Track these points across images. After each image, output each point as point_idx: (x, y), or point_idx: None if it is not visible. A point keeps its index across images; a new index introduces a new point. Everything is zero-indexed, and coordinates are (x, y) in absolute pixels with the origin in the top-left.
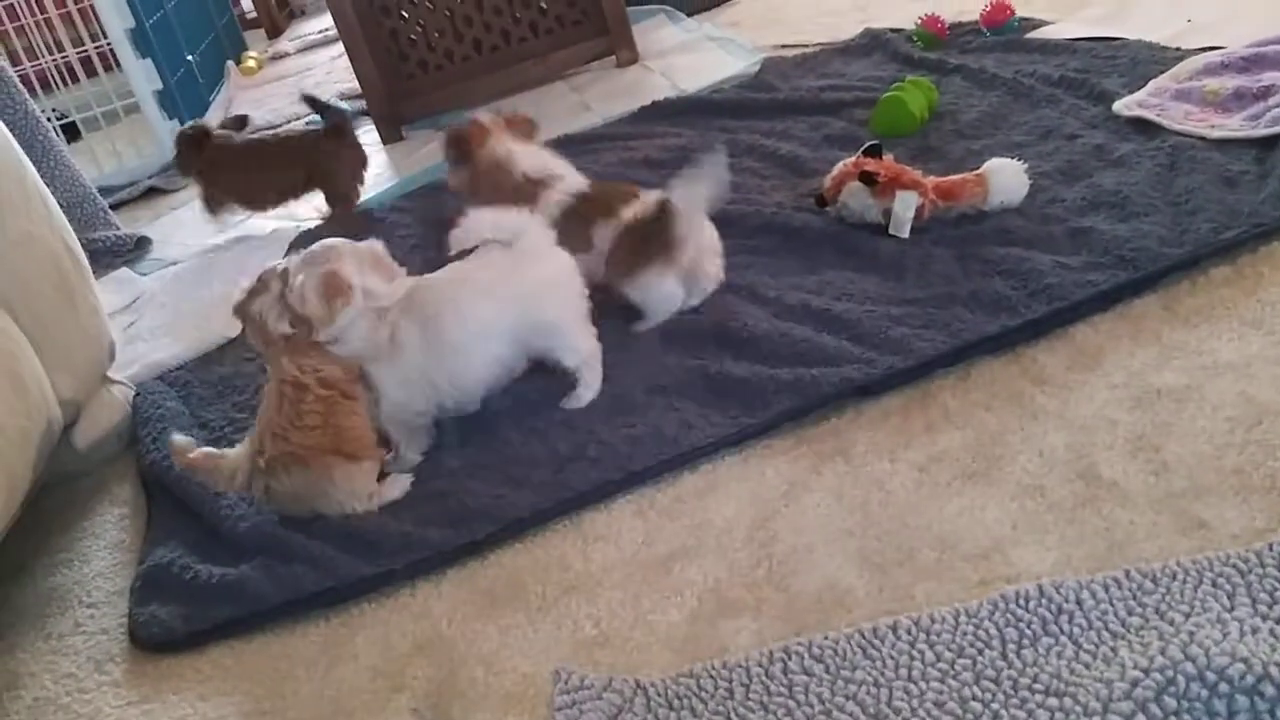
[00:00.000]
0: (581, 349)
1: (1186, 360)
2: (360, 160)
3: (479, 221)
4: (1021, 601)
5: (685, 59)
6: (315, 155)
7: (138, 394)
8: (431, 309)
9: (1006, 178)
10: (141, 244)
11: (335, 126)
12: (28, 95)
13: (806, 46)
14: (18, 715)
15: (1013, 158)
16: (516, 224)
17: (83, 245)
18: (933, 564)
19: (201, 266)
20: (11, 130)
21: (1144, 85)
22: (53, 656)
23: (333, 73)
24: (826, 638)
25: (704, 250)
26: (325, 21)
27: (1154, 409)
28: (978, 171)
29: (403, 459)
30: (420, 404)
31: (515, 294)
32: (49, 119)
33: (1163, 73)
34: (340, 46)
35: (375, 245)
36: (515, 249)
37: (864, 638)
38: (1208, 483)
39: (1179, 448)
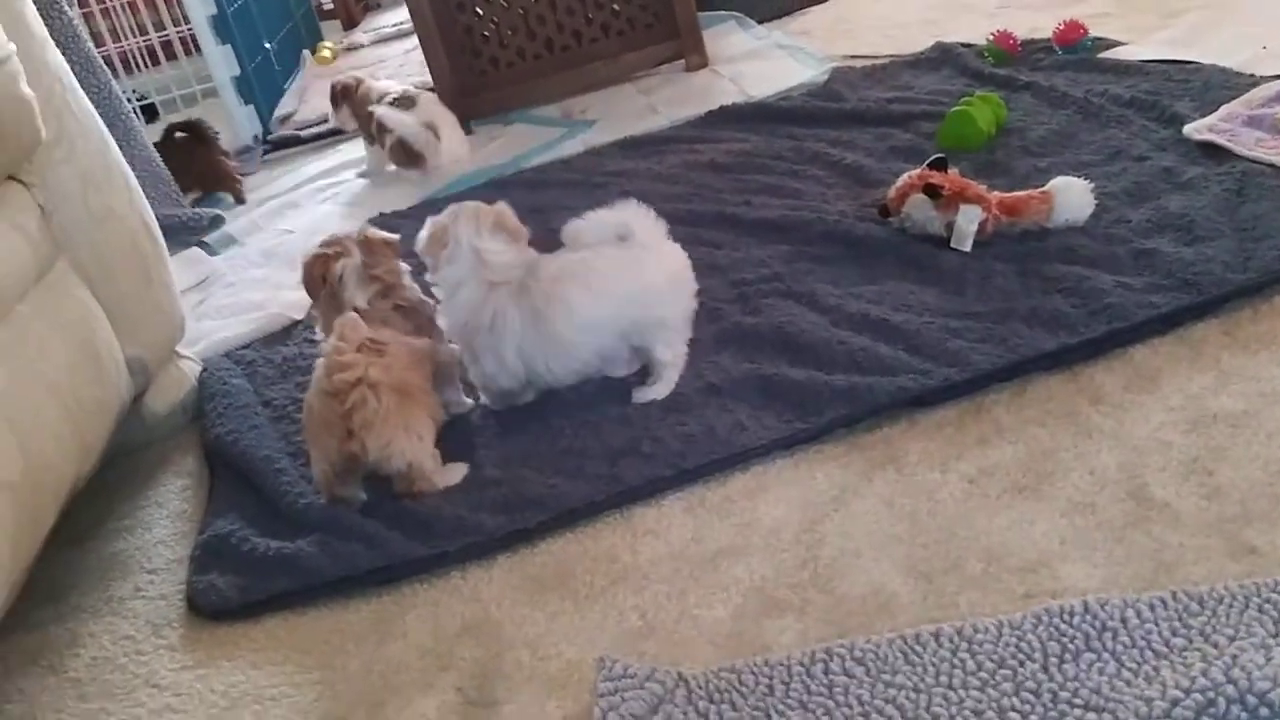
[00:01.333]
0: (677, 348)
1: (1245, 386)
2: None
3: (594, 221)
4: (1066, 616)
5: (754, 65)
6: None
7: (204, 369)
8: (542, 301)
9: (1072, 196)
10: (214, 223)
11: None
12: (111, 78)
13: (876, 58)
14: (76, 673)
15: (1079, 176)
16: (628, 220)
17: (158, 222)
18: (979, 574)
19: (270, 250)
20: (95, 108)
21: (1215, 110)
22: (113, 618)
23: (405, 65)
24: (869, 641)
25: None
26: (401, 15)
27: (1209, 433)
28: (1043, 189)
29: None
30: (509, 381)
31: (631, 293)
32: (129, 100)
33: (1235, 98)
34: (414, 40)
35: (501, 207)
36: (632, 245)
37: (906, 643)
38: (1260, 509)
39: (1232, 473)
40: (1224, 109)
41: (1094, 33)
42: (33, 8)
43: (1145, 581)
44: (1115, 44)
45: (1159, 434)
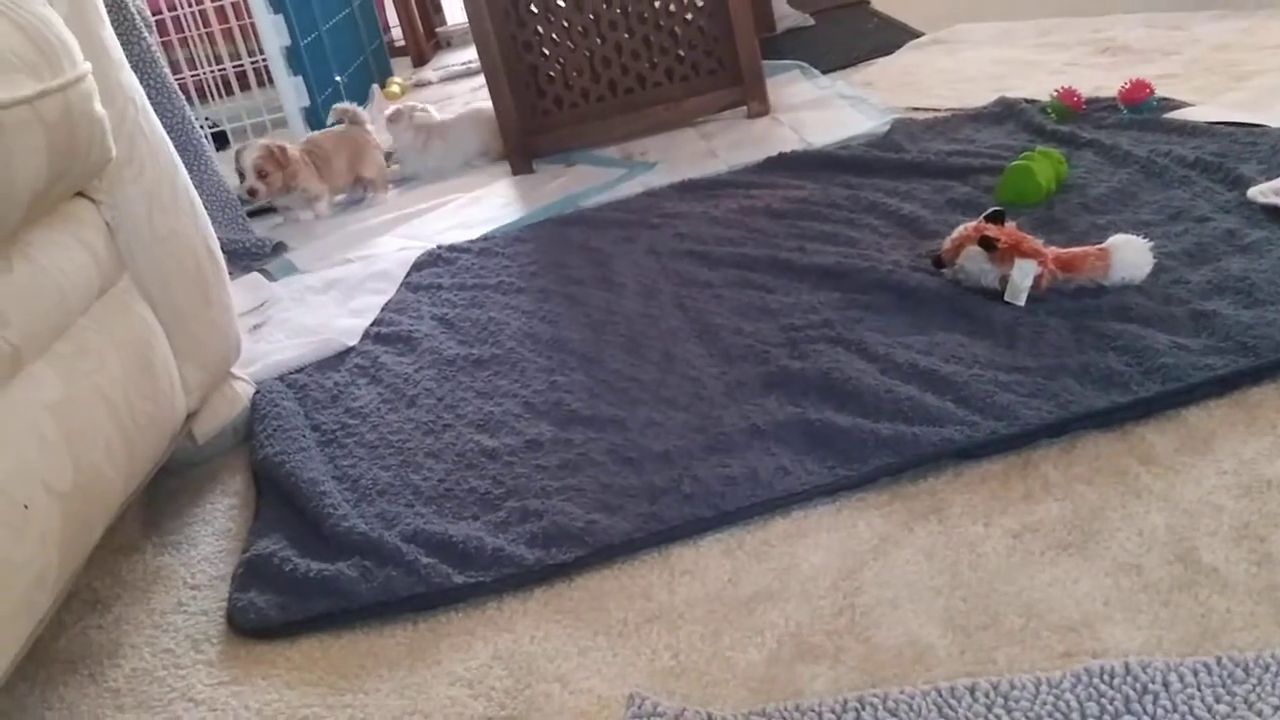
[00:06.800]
0: None
1: None
2: None
3: None
4: (1106, 677)
5: (815, 114)
6: None
7: (257, 391)
8: None
9: (1131, 254)
10: (278, 249)
11: None
12: (185, 103)
13: (938, 110)
14: (116, 684)
15: (1139, 235)
16: None
17: (221, 245)
18: (1018, 631)
19: (330, 279)
20: (168, 133)
21: None
22: (154, 631)
23: (471, 103)
24: (903, 692)
25: None
26: (469, 54)
27: (1263, 499)
28: (1101, 246)
29: None
30: None
31: None
32: (200, 127)
33: None
34: (480, 79)
35: None
36: None
37: (940, 696)
38: None
39: None
40: None
41: (1160, 93)
42: (110, 30)
43: (1190, 646)
44: (1182, 104)
45: (1210, 498)
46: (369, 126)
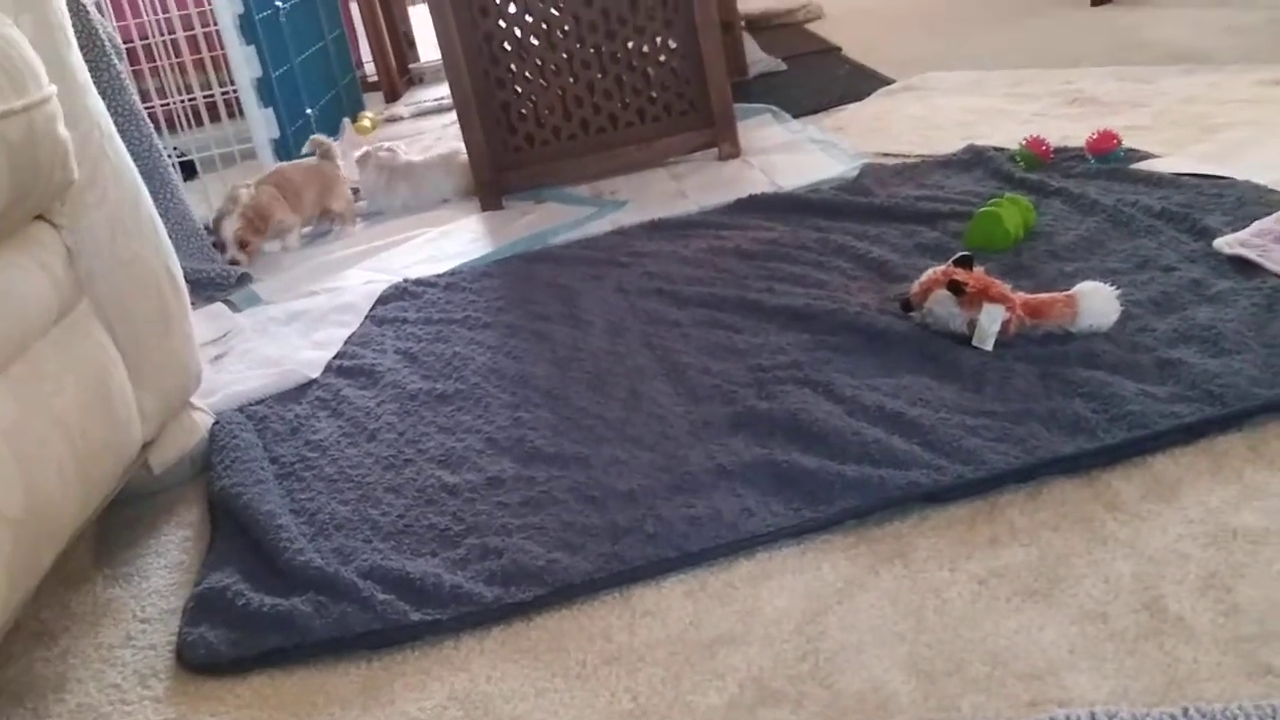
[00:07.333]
0: None
1: (1267, 503)
2: None
3: None
4: None
5: (786, 158)
6: None
7: (216, 422)
8: None
9: (1098, 301)
10: (243, 280)
11: None
12: (153, 130)
13: (908, 156)
14: (60, 718)
15: (1106, 283)
16: None
17: (186, 275)
18: (983, 678)
19: (294, 310)
20: (135, 160)
21: (1248, 225)
22: (101, 665)
23: (443, 139)
24: None
25: None
26: (442, 91)
27: (1229, 549)
28: (1069, 292)
29: None
30: None
31: None
32: (169, 155)
33: (1268, 215)
34: (452, 115)
35: None
36: None
37: None
38: (1278, 628)
39: (1252, 590)
40: (1256, 225)
41: (1128, 144)
42: (78, 54)
43: (1156, 696)
44: (1149, 156)
45: (1177, 546)
46: (339, 161)
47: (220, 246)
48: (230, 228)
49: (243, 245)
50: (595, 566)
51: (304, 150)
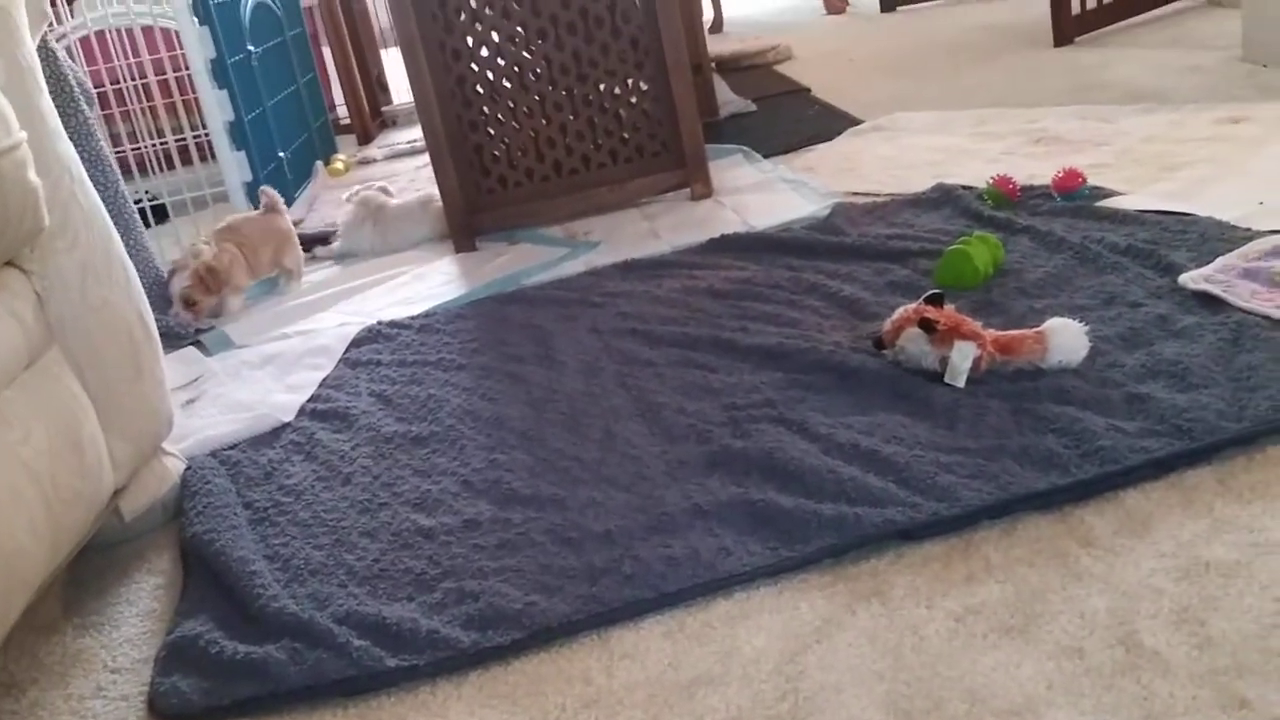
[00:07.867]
0: None
1: (1238, 536)
2: None
3: None
4: None
5: (757, 198)
6: None
7: (188, 467)
8: None
9: (1067, 338)
10: (199, 333)
11: None
12: (120, 176)
13: (878, 195)
14: None
15: (1075, 320)
16: None
17: (156, 324)
18: (962, 716)
19: (267, 354)
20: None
21: (1212, 261)
22: (71, 718)
23: (415, 180)
24: None
25: None
26: (414, 134)
27: (1201, 582)
28: (1038, 329)
29: None
30: None
31: None
32: (140, 200)
33: (1231, 250)
34: (425, 158)
35: None
36: None
37: None
38: (1252, 662)
39: (1225, 623)
40: (1220, 260)
41: (1092, 181)
42: (49, 100)
43: None
44: (1113, 193)
45: (1150, 580)
46: (286, 214)
47: (168, 300)
48: (178, 284)
49: (189, 304)
50: (573, 609)
51: (262, 202)
